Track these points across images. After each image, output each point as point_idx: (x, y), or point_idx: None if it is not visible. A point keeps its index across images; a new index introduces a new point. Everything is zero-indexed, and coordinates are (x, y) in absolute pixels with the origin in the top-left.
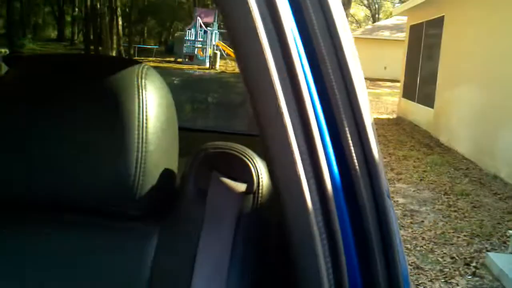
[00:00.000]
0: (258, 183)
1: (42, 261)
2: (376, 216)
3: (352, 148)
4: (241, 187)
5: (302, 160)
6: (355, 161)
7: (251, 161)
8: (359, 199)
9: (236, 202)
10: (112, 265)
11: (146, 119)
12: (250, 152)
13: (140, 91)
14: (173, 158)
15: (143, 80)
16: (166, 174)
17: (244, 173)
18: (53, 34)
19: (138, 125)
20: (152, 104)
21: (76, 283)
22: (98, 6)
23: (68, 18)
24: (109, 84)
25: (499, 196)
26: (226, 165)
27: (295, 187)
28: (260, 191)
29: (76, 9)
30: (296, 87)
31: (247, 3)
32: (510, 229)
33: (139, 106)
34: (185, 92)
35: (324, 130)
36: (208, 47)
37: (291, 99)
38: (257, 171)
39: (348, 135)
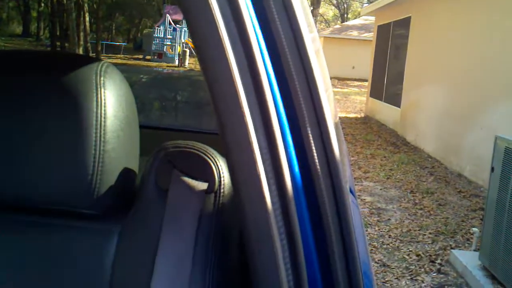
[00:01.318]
0: (220, 182)
1: None
2: (337, 216)
3: (313, 148)
4: (202, 186)
5: (263, 160)
6: (316, 161)
7: (213, 160)
8: (319, 199)
9: (197, 202)
10: (72, 265)
11: (105, 118)
12: (211, 151)
13: (99, 89)
14: (133, 157)
15: (102, 78)
16: (126, 173)
17: (205, 172)
18: (18, 29)
19: (96, 124)
20: (111, 102)
21: (35, 283)
22: (65, 1)
23: (34, 14)
24: (67, 81)
25: (463, 194)
26: (187, 164)
27: (255, 187)
28: (221, 190)
29: (42, 4)
30: (258, 86)
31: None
32: (474, 227)
33: (97, 105)
34: (153, 90)
35: (286, 130)
36: (177, 44)
37: (252, 97)
38: (218, 170)
39: (310, 135)
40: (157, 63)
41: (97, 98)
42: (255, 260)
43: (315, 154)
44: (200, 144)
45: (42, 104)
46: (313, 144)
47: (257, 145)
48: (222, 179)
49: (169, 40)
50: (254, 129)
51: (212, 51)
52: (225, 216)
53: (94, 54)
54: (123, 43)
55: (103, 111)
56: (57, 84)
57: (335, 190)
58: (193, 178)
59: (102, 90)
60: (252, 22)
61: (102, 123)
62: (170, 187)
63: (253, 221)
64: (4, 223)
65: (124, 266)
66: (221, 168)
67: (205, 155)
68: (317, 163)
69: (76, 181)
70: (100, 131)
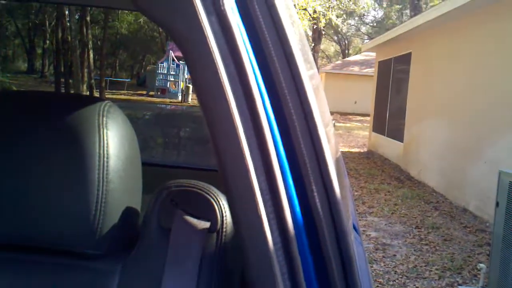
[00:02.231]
0: (222, 221)
1: None
2: (339, 255)
3: (314, 187)
4: (204, 225)
5: (264, 200)
6: (317, 200)
7: (215, 199)
8: (321, 238)
9: (199, 241)
10: None
11: (107, 158)
12: (214, 190)
13: (101, 129)
14: (135, 196)
15: (104, 118)
16: (128, 213)
17: (207, 211)
18: (23, 66)
19: (99, 164)
20: (113, 142)
21: None
22: (70, 38)
23: (39, 51)
24: (69, 122)
25: (469, 229)
26: (190, 203)
27: (257, 227)
28: (224, 229)
29: (47, 42)
30: (257, 125)
31: (204, 33)
32: (480, 263)
33: (99, 145)
34: (157, 127)
35: (286, 169)
36: (180, 80)
37: (252, 137)
38: (221, 209)
39: (310, 175)
40: (160, 99)
41: (99, 138)
42: None
43: (315, 193)
44: (203, 183)
45: (45, 144)
46: (313, 183)
47: (257, 185)
48: (224, 218)
49: (172, 76)
50: (254, 169)
51: (212, 90)
52: (227, 255)
53: (98, 91)
54: (127, 79)
55: (105, 151)
56: (59, 124)
57: (336, 228)
58: (195, 217)
59: (105, 130)
60: (250, 60)
61: (105, 163)
62: (172, 227)
63: (255, 261)
64: (6, 262)
65: None
66: (224, 207)
67: (208, 194)
68: (318, 202)
69: (78, 221)
70: (103, 171)
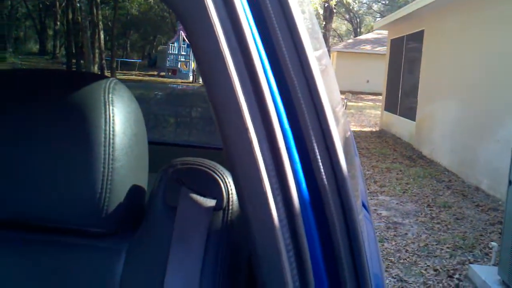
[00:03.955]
0: (228, 199)
1: (2, 282)
2: (346, 232)
3: (320, 164)
4: (210, 203)
5: (269, 175)
6: (324, 177)
7: (221, 177)
8: (327, 214)
9: (205, 219)
10: (79, 284)
11: (113, 135)
12: (220, 168)
13: (107, 106)
14: (142, 174)
15: (110, 95)
16: (134, 191)
17: (213, 189)
18: (35, 48)
19: (105, 142)
20: (119, 119)
21: None
22: (80, 19)
23: (50, 32)
24: (75, 99)
25: (481, 207)
26: (196, 181)
27: (262, 203)
28: (230, 207)
29: (58, 23)
30: (262, 101)
31: (209, 19)
32: (492, 241)
33: (105, 122)
34: (168, 106)
35: (292, 144)
36: (191, 60)
37: (256, 113)
38: (227, 187)
39: (316, 150)
40: (171, 79)
41: (105, 115)
42: (263, 277)
43: (322, 170)
44: (209, 161)
45: (50, 121)
46: (319, 160)
47: (262, 161)
48: (230, 196)
49: (183, 57)
50: (259, 144)
51: (213, 63)
52: (233, 233)
53: (109, 71)
54: (138, 60)
55: (111, 129)
56: (66, 101)
57: (343, 205)
58: (201, 195)
59: (110, 107)
60: (254, 37)
61: (111, 140)
62: (178, 205)
63: (260, 238)
64: (12, 240)
65: (132, 284)
66: (230, 185)
67: (214, 172)
68: (325, 179)
69: (84, 200)
70: (109, 149)
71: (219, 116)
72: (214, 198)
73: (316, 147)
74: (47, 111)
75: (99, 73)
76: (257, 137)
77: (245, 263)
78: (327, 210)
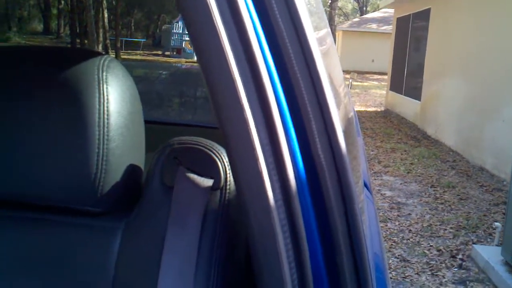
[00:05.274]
0: (226, 178)
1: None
2: (344, 212)
3: (318, 142)
4: (207, 182)
5: (264, 155)
6: (321, 155)
7: (219, 156)
8: (325, 195)
9: (202, 198)
10: (75, 263)
11: (108, 115)
12: (217, 147)
13: (101, 84)
14: (138, 154)
15: (104, 73)
16: (131, 170)
17: (211, 169)
18: (39, 27)
19: (99, 122)
20: (114, 98)
21: (35, 281)
22: None
23: (54, 11)
24: (67, 77)
25: (485, 188)
26: (193, 160)
27: (257, 183)
28: (227, 187)
29: (62, 2)
30: (257, 77)
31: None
32: (496, 221)
33: (99, 101)
34: (172, 86)
35: (288, 123)
36: None
37: (251, 90)
38: (224, 166)
39: (314, 128)
40: (176, 59)
41: (99, 94)
42: (258, 257)
43: (319, 149)
44: (206, 140)
45: (43, 100)
46: (317, 139)
47: (257, 139)
48: (228, 175)
49: (187, 36)
50: (254, 122)
51: (209, 40)
52: (231, 213)
53: (113, 51)
54: (142, 40)
55: (106, 108)
56: (58, 79)
57: (342, 184)
58: (199, 174)
59: (105, 85)
60: (253, 20)
61: (105, 120)
62: (175, 184)
63: (256, 218)
64: (7, 219)
65: (128, 264)
66: (227, 164)
67: (211, 151)
68: (322, 158)
69: (79, 179)
70: (103, 129)
71: (213, 96)
72: (211, 178)
73: (313, 124)
74: (39, 89)
75: (103, 52)
76: (252, 115)
77: (242, 241)
78: (323, 189)
